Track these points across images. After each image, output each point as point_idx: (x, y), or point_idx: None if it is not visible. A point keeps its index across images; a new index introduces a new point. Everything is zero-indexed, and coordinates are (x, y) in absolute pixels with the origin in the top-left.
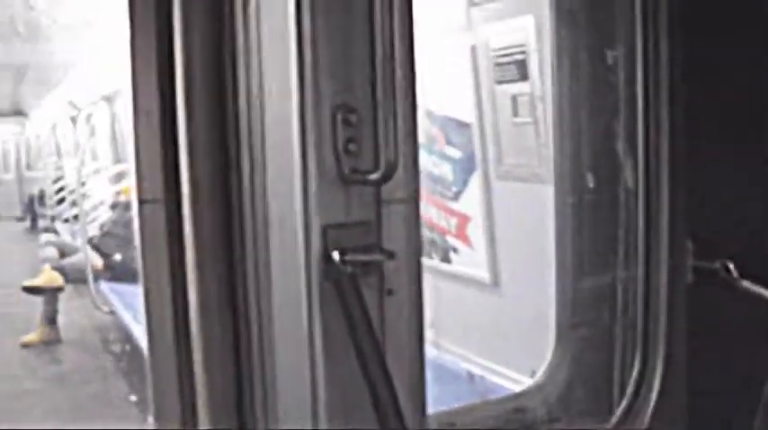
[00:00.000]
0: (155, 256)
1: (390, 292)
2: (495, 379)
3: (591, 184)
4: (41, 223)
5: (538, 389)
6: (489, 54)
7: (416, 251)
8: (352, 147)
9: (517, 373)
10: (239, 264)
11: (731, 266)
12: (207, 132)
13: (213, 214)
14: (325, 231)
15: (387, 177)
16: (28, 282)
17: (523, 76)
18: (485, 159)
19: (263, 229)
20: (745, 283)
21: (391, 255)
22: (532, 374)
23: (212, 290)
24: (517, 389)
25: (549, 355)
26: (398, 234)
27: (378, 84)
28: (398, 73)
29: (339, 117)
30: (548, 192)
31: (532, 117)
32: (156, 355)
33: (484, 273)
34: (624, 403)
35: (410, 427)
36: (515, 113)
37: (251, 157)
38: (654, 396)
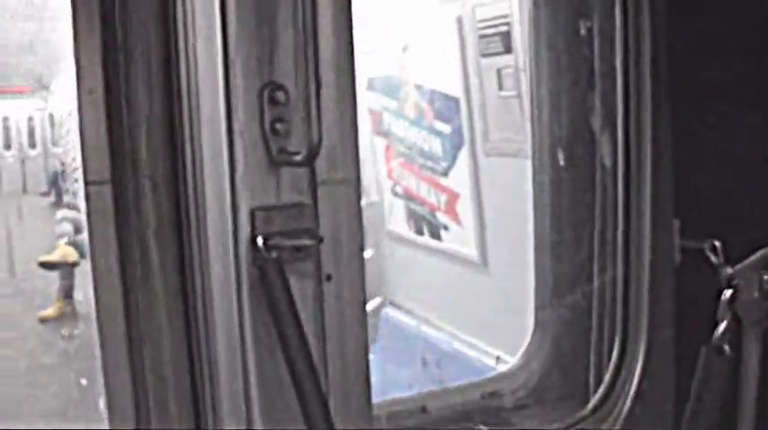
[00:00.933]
0: (102, 238)
1: (329, 278)
2: (482, 357)
3: (567, 161)
4: (65, 198)
5: (512, 373)
6: (475, 26)
7: (357, 234)
8: (279, 126)
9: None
10: (186, 247)
11: (718, 247)
12: (150, 112)
13: (159, 196)
14: (253, 214)
15: (312, 156)
16: (43, 258)
17: (508, 48)
18: (472, 135)
19: (202, 212)
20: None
21: (320, 240)
22: (497, 360)
23: (159, 270)
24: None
25: (526, 339)
26: (339, 216)
27: (305, 58)
28: (331, 45)
29: (266, 95)
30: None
31: (517, 90)
32: (107, 337)
33: (473, 252)
34: (601, 389)
35: (355, 415)
36: (500, 87)
37: (191, 139)
38: (635, 380)
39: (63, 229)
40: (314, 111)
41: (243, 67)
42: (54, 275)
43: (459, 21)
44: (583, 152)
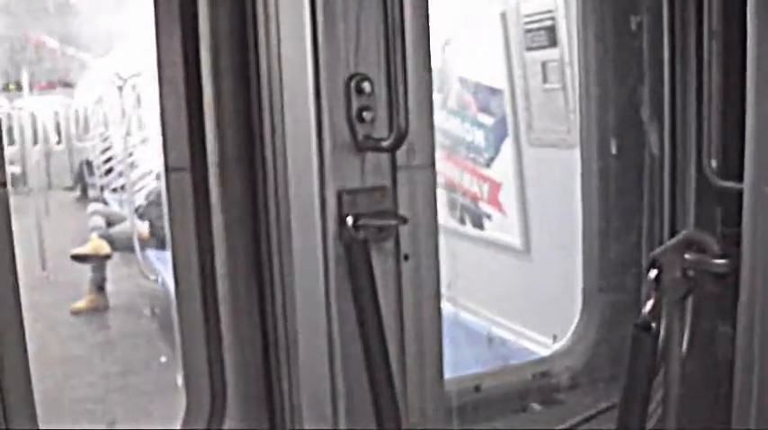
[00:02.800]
0: (181, 224)
1: (407, 258)
2: (524, 343)
3: (617, 150)
4: (91, 193)
5: (562, 354)
6: (520, 20)
7: (434, 216)
8: (366, 114)
9: (544, 337)
10: (264, 229)
11: None
12: (231, 101)
13: (239, 181)
14: (340, 196)
15: (398, 143)
16: (76, 251)
17: (552, 42)
18: (516, 126)
19: (284, 196)
20: None
21: (404, 220)
22: (554, 339)
23: (239, 255)
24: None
25: (575, 321)
26: (416, 199)
27: (390, 52)
28: (411, 41)
29: (353, 85)
30: (577, 158)
31: (561, 83)
32: (185, 320)
33: (515, 239)
34: None
35: (428, 390)
36: (545, 80)
37: (272, 126)
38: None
39: (94, 223)
40: (401, 100)
41: (330, 58)
42: (83, 268)
43: (503, 16)
44: (631, 141)
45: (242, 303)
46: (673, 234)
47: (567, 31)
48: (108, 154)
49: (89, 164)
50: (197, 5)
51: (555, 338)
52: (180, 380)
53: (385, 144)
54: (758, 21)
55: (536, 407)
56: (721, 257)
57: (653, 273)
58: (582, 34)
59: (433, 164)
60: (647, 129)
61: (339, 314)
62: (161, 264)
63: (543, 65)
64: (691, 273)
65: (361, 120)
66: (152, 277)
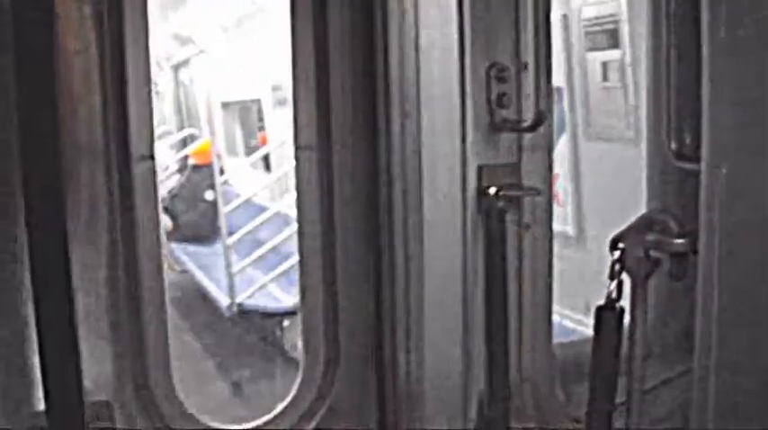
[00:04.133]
0: (308, 197)
1: (528, 227)
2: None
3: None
4: None
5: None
6: (581, 23)
7: (548, 192)
8: (505, 99)
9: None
10: (384, 205)
11: None
12: (358, 88)
13: (360, 160)
14: (480, 171)
15: (537, 125)
16: None
17: (613, 44)
18: (574, 121)
19: (413, 172)
20: None
21: (538, 192)
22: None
23: (357, 228)
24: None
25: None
26: (536, 176)
27: (527, 45)
28: (541, 36)
29: (492, 74)
30: (633, 153)
31: (622, 82)
32: (307, 287)
33: (569, 228)
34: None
35: (539, 346)
36: (605, 78)
37: (402, 109)
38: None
39: None
40: (543, 87)
41: (473, 49)
42: None
43: (565, 18)
44: (694, 139)
45: (359, 271)
46: None
47: (630, 34)
48: None
49: None
50: (327, 2)
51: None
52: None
53: (525, 125)
54: (710, 12)
55: None
56: (680, 237)
57: (616, 253)
58: (651, 36)
59: (551, 145)
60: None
61: (476, 281)
62: (186, 257)
63: (604, 64)
64: (652, 253)
65: (501, 104)
66: (178, 268)
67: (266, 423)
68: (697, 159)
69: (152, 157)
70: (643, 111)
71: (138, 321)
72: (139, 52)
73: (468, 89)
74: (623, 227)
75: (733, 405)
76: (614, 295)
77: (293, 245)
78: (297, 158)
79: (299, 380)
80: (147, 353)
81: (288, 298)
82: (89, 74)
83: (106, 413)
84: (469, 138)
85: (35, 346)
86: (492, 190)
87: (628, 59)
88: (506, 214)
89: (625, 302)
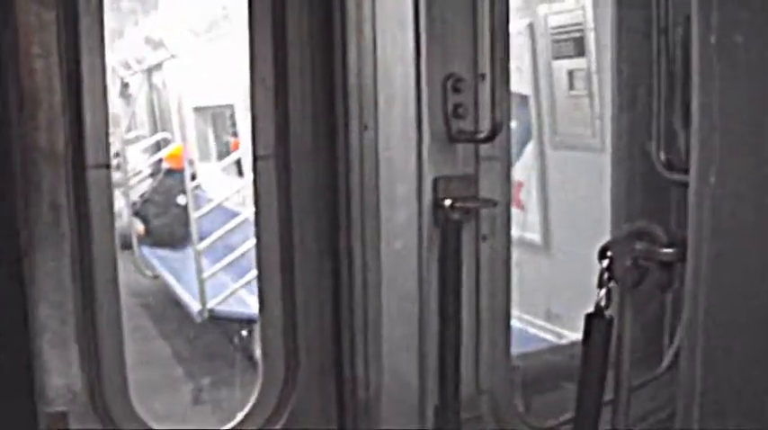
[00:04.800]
0: (267, 207)
1: (485, 238)
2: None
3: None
4: None
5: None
6: (547, 32)
7: (507, 202)
8: (460, 110)
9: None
10: (343, 214)
11: None
12: (317, 96)
13: (320, 170)
14: (435, 183)
15: (493, 136)
16: None
17: (579, 52)
18: (540, 129)
19: (371, 182)
20: None
21: (494, 204)
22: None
23: (317, 237)
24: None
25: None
26: (493, 187)
27: (482, 56)
28: (498, 46)
29: (449, 85)
30: (599, 161)
31: (588, 90)
32: (265, 295)
33: (536, 236)
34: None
35: (498, 357)
36: (571, 87)
37: (360, 119)
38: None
39: None
40: (500, 97)
41: (430, 59)
42: None
43: (531, 27)
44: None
45: (317, 281)
46: None
47: (596, 42)
48: None
49: None
50: (286, 8)
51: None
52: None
53: (481, 136)
54: (700, 20)
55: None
56: (669, 247)
57: (605, 262)
58: (616, 45)
59: (509, 155)
60: (679, 134)
61: (430, 291)
62: (157, 261)
63: (570, 73)
64: (641, 262)
65: (457, 115)
66: (149, 274)
67: None
68: (685, 170)
69: (107, 166)
70: (608, 120)
71: (95, 331)
72: (95, 59)
73: (425, 99)
74: (610, 237)
75: (718, 406)
76: (603, 303)
77: None
78: (255, 168)
79: (257, 390)
80: (103, 362)
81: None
82: (50, 79)
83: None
84: (426, 149)
85: None
86: (447, 202)
87: (593, 68)
88: (463, 226)
89: None
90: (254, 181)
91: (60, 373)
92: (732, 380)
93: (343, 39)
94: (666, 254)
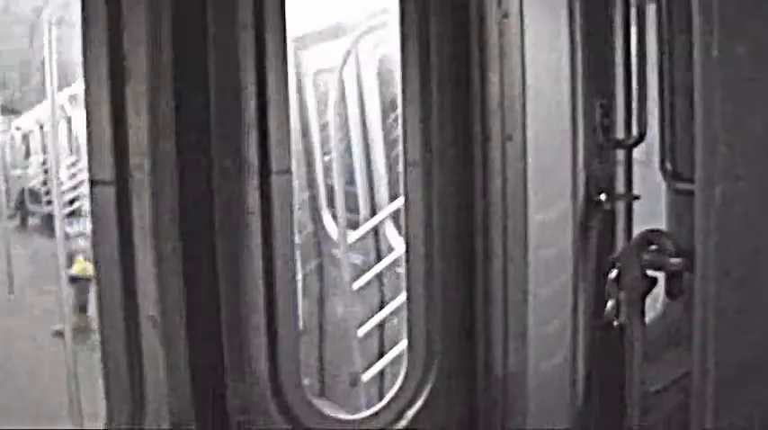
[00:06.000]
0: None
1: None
2: None
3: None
4: (31, 222)
5: None
6: None
7: (633, 196)
8: (606, 121)
9: None
10: (480, 216)
11: None
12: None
13: (459, 174)
14: (588, 181)
15: (638, 143)
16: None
17: None
18: None
19: (517, 187)
20: None
21: (637, 197)
22: None
23: (456, 239)
24: None
25: None
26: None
27: (625, 76)
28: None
29: (597, 100)
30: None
31: None
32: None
33: None
34: None
35: None
36: None
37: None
38: None
39: (80, 245)
40: (642, 112)
41: (583, 79)
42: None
43: None
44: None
45: (455, 279)
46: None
47: None
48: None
49: (32, 191)
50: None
51: None
52: None
53: (629, 142)
54: (703, 32)
55: None
56: (677, 256)
57: (613, 273)
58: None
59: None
60: None
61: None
62: None
63: None
64: (649, 272)
65: (603, 126)
66: None
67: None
68: (691, 179)
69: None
70: None
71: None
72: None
73: (580, 113)
74: (622, 248)
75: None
76: (613, 314)
77: None
78: (405, 173)
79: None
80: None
81: None
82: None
83: None
84: (580, 153)
85: None
86: (603, 196)
87: None
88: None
89: None
90: (404, 184)
91: None
92: (742, 383)
93: (483, 64)
94: (675, 263)
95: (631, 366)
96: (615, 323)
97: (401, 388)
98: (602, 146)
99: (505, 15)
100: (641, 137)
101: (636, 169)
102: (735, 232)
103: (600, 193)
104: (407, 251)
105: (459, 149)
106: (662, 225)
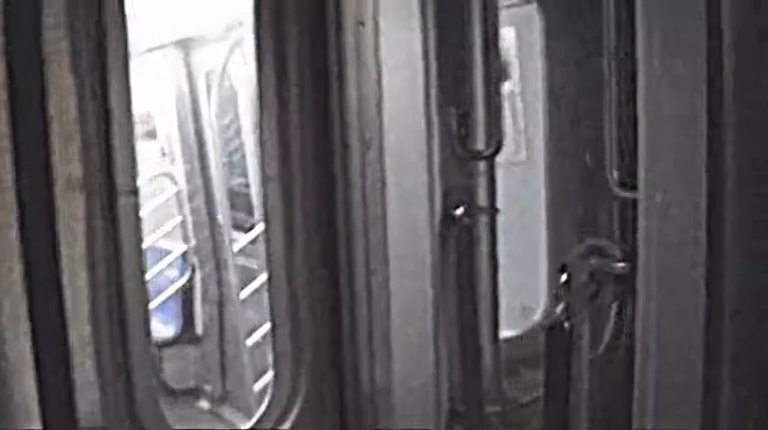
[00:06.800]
0: (273, 224)
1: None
2: None
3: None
4: None
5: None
6: None
7: (494, 209)
8: (463, 131)
9: None
10: (343, 227)
11: None
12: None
13: (319, 188)
14: (446, 194)
15: (496, 153)
16: None
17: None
18: None
19: (374, 197)
20: None
21: (497, 211)
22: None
23: (319, 253)
24: None
25: None
26: (481, 196)
27: (483, 86)
28: (494, 78)
29: (452, 110)
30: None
31: (512, 110)
32: (275, 307)
33: None
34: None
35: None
36: None
37: (362, 140)
38: None
39: None
40: (498, 123)
41: (438, 88)
42: None
43: None
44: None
45: (321, 290)
46: None
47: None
48: None
49: None
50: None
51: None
52: None
53: (487, 153)
54: (644, 44)
55: None
56: (622, 261)
57: (563, 277)
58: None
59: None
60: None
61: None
62: None
63: None
64: (596, 276)
65: (461, 135)
66: None
67: None
68: (635, 187)
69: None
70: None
71: None
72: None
73: (435, 122)
74: (570, 253)
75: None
76: (563, 317)
77: (168, 278)
78: (264, 189)
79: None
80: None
81: (165, 329)
82: None
83: None
84: (435, 165)
85: None
86: (460, 210)
87: (516, 90)
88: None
89: None
90: (263, 201)
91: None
92: (681, 380)
93: (340, 73)
94: (619, 268)
95: (578, 369)
96: (565, 325)
97: (269, 405)
98: (459, 157)
99: (361, 23)
100: (499, 148)
101: None
102: (674, 237)
103: (457, 207)
104: (269, 268)
105: (319, 161)
106: None
